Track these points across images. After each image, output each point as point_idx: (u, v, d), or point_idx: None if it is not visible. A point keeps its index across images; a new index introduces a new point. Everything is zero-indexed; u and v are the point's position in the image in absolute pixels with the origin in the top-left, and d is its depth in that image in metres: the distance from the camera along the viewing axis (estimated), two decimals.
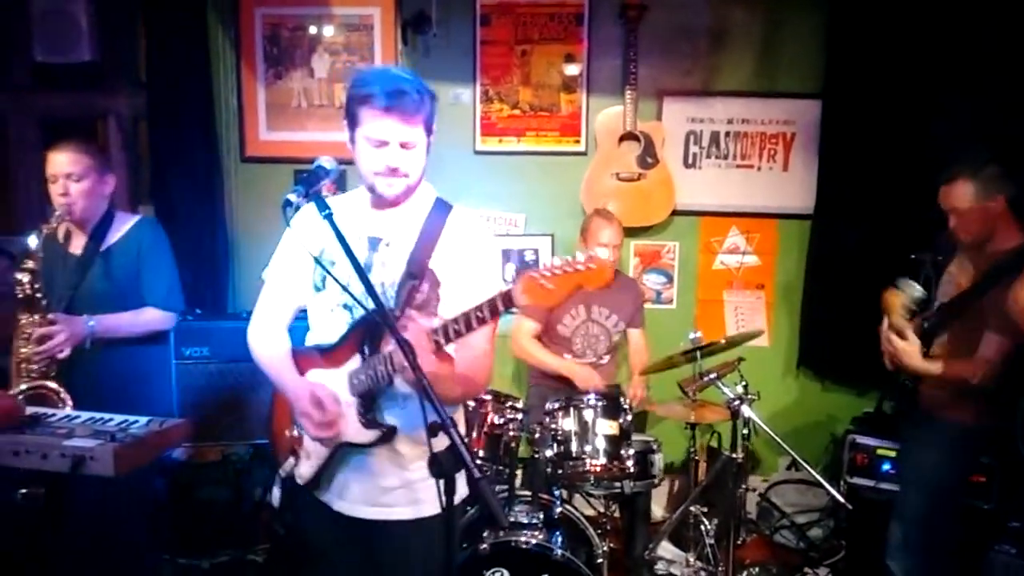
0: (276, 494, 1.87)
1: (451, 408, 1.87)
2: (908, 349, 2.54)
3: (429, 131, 1.79)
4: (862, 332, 2.94)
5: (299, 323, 1.99)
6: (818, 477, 2.87)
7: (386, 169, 1.74)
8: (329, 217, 1.67)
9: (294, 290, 1.95)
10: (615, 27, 3.89)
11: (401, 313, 1.74)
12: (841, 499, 2.92)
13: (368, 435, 1.76)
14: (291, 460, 1.89)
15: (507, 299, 1.56)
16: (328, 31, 4.00)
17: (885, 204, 3.70)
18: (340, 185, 3.80)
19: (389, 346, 1.67)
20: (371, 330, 1.74)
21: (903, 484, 2.86)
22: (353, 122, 1.76)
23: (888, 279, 2.74)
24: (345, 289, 1.73)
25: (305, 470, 1.87)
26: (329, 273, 1.77)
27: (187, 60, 3.91)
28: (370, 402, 1.78)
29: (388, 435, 1.77)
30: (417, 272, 1.78)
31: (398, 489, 1.82)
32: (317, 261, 1.82)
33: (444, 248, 1.82)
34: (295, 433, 1.90)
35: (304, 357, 1.89)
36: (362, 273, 1.62)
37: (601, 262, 1.49)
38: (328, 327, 1.86)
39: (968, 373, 2.46)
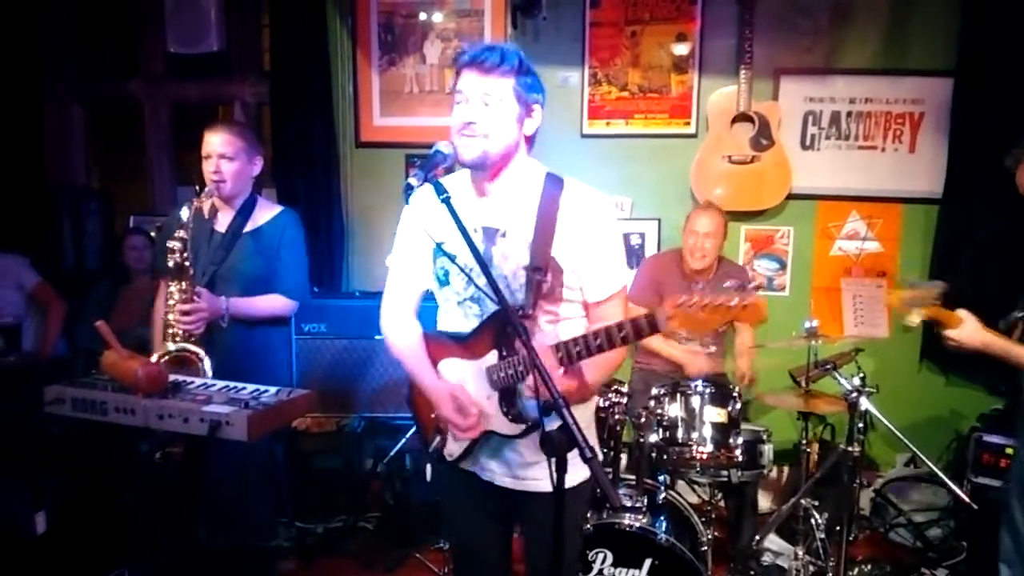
0: (428, 471, 1.92)
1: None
2: (963, 332, 2.30)
3: (521, 99, 1.73)
4: (992, 325, 2.75)
5: (428, 304, 2.00)
6: (941, 475, 2.73)
7: (461, 124, 1.70)
8: (447, 201, 1.66)
9: (419, 275, 1.95)
10: (729, 4, 3.78)
11: (534, 309, 1.74)
12: (966, 498, 2.77)
13: (515, 428, 1.77)
14: (438, 439, 1.92)
15: (651, 324, 1.54)
16: (439, 17, 4.07)
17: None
18: (451, 171, 3.90)
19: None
20: (504, 327, 1.72)
21: (1008, 485, 2.66)
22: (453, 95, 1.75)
23: (1021, 267, 2.55)
24: (479, 288, 1.72)
25: (454, 449, 1.90)
26: (463, 271, 1.75)
27: (307, 50, 4.07)
28: (511, 396, 1.78)
29: (533, 428, 1.75)
30: (541, 264, 1.74)
31: (538, 464, 1.81)
32: (445, 254, 1.80)
33: (563, 233, 1.75)
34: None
35: (438, 344, 1.89)
36: (486, 270, 1.59)
37: (756, 298, 1.45)
38: (458, 317, 1.87)
39: None
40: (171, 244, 2.58)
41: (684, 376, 3.26)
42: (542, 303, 1.76)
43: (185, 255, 2.58)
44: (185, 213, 2.60)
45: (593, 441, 1.95)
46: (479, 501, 1.97)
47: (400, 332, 1.95)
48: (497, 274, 1.74)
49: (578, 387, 1.72)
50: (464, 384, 1.82)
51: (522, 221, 1.78)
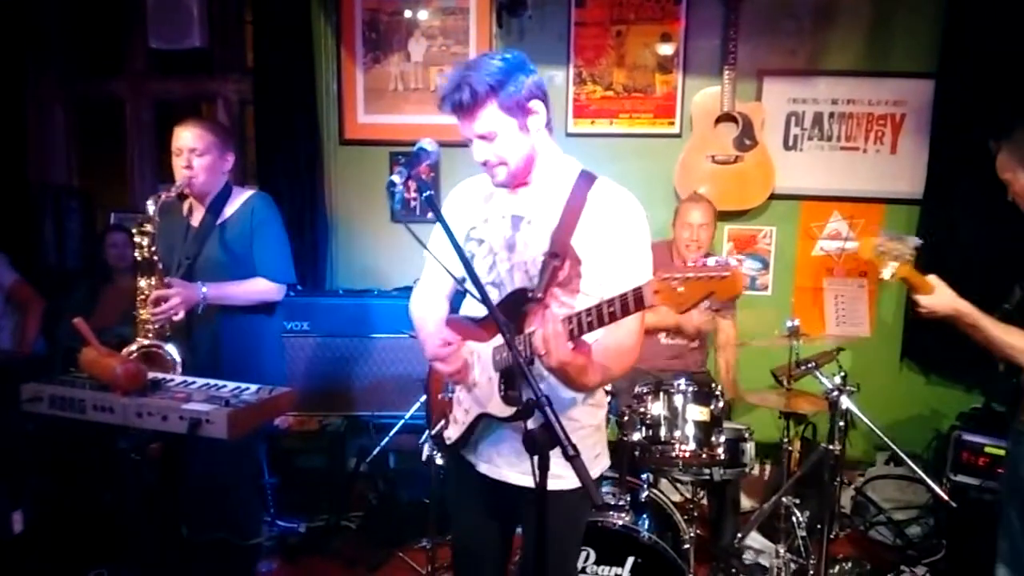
0: (426, 451, 1.95)
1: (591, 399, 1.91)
2: (935, 299, 2.24)
3: (512, 110, 1.74)
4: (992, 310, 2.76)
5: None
6: (920, 473, 2.75)
7: (480, 162, 1.81)
8: (429, 199, 1.69)
9: (449, 263, 1.99)
10: (714, 5, 3.79)
11: (544, 293, 1.75)
12: (945, 496, 2.79)
13: (507, 410, 1.78)
14: (442, 422, 1.98)
15: (638, 298, 1.52)
16: (424, 15, 4.06)
17: (1001, 190, 3.47)
18: (435, 168, 3.89)
19: (530, 327, 1.69)
20: (514, 309, 1.75)
21: (1002, 489, 2.66)
22: None
23: (1002, 269, 2.56)
24: (474, 280, 1.71)
25: (452, 433, 1.95)
26: (438, 260, 1.79)
27: (291, 47, 4.04)
28: (512, 379, 1.79)
29: (525, 412, 1.71)
30: (559, 251, 1.77)
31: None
32: (457, 249, 1.79)
33: (586, 225, 1.79)
34: (446, 397, 1.98)
35: (461, 326, 1.93)
36: (465, 260, 1.64)
37: (734, 270, 1.42)
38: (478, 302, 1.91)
39: None
40: (137, 239, 2.56)
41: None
42: (558, 292, 1.77)
43: (153, 249, 2.57)
44: (151, 207, 2.57)
45: (597, 446, 1.97)
46: (481, 497, 1.97)
47: (422, 306, 2.05)
48: (518, 260, 1.83)
49: (585, 365, 1.66)
50: (475, 364, 1.87)
51: (548, 210, 1.82)
